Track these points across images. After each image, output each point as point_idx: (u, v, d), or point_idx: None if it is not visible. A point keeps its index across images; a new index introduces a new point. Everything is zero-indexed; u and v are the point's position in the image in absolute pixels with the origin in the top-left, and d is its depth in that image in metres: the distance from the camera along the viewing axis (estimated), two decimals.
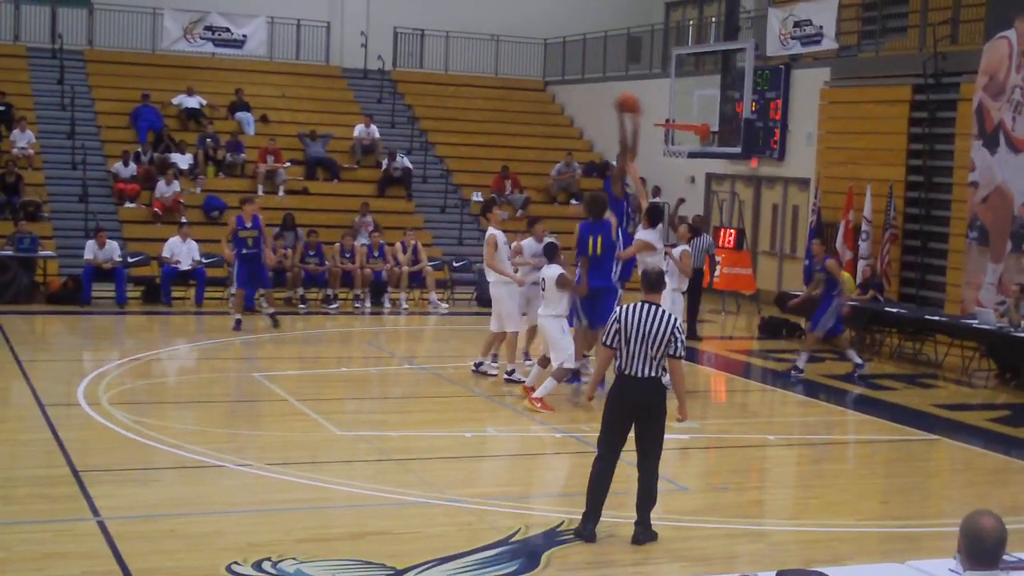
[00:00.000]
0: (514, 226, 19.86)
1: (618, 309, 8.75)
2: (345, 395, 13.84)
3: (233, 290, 19.69)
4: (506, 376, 14.62)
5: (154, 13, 28.62)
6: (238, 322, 18.03)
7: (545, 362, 13.56)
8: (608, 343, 8.67)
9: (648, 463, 8.69)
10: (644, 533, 8.64)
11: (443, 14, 31.48)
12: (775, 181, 24.28)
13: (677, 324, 8.57)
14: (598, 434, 8.85)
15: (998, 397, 15.64)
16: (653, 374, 8.54)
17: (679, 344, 8.52)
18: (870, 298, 18.59)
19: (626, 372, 8.57)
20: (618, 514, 9.27)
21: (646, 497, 8.68)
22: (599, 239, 13.45)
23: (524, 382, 13.87)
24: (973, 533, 4.69)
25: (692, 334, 16.61)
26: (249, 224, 17.96)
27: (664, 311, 8.63)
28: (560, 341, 13.32)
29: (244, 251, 17.92)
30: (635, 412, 8.59)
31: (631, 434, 8.72)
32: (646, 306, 8.60)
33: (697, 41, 29.45)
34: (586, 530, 8.64)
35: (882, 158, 21.06)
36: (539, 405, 13.02)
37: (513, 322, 14.58)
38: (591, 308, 13.55)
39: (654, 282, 8.80)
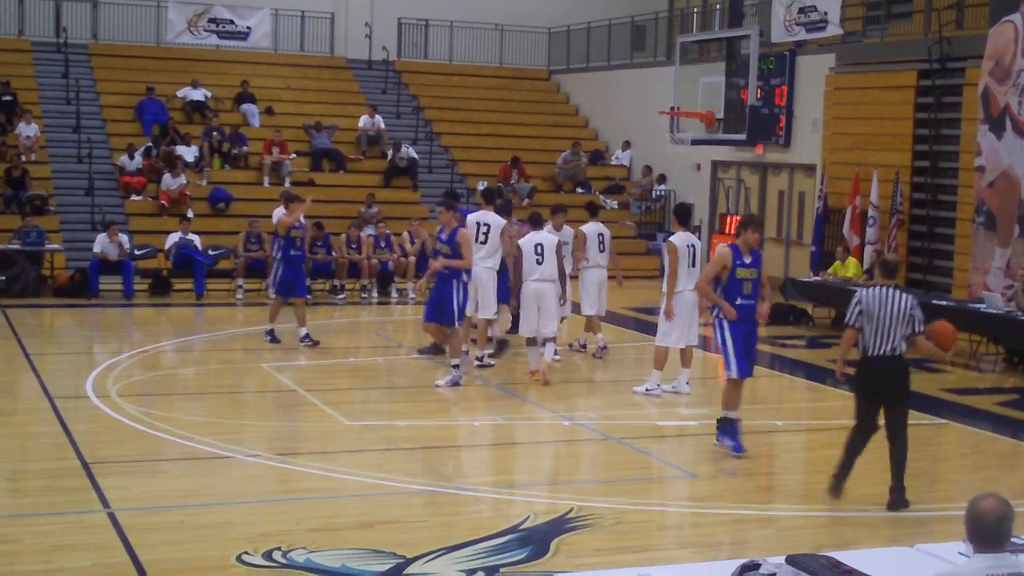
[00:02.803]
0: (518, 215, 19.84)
1: (859, 292, 9.36)
2: (353, 385, 13.85)
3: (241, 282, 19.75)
4: (477, 362, 14.72)
5: (158, 6, 28.63)
6: (271, 332, 16.11)
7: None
8: (852, 323, 9.28)
9: (899, 435, 9.31)
10: (898, 501, 9.28)
11: (447, 4, 31.45)
12: (781, 168, 24.24)
13: (915, 304, 9.22)
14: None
15: (1006, 381, 15.62)
16: (895, 353, 9.17)
17: (918, 321, 9.19)
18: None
19: (870, 353, 9.22)
20: (625, 501, 9.29)
21: (900, 467, 9.31)
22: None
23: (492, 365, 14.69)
24: (973, 514, 4.76)
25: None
26: (298, 224, 15.89)
27: (903, 293, 9.23)
28: (557, 311, 14.17)
29: (292, 252, 15.78)
30: (880, 390, 9.29)
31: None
32: (887, 289, 9.23)
33: (701, 28, 29.38)
34: (834, 481, 9.46)
35: (888, 144, 21.01)
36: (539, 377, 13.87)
37: (489, 309, 14.63)
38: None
39: (893, 268, 9.51)
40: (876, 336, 9.17)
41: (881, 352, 9.18)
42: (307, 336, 15.91)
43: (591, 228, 15.49)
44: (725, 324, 10.83)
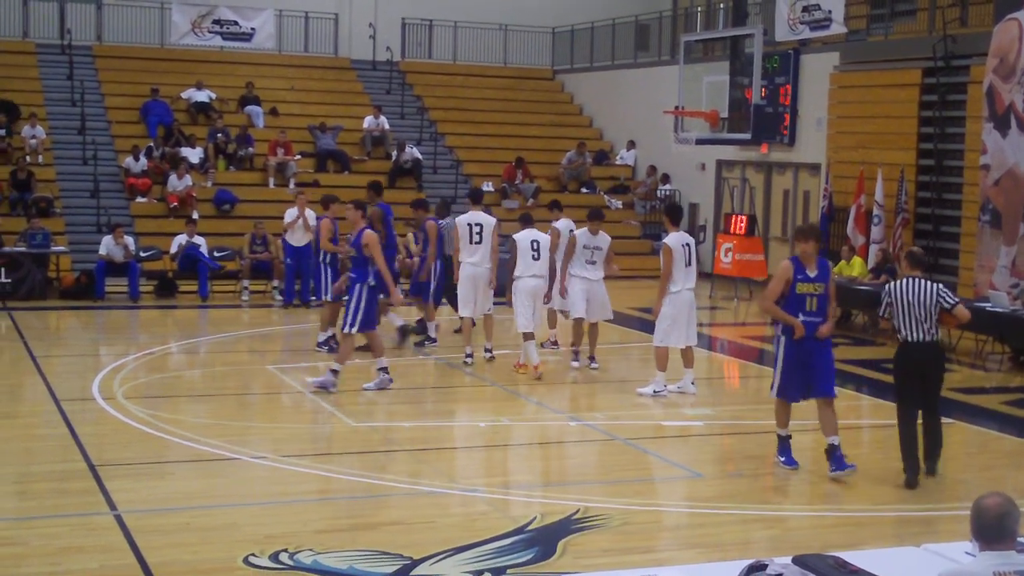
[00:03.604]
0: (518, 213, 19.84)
1: (888, 286, 10.04)
2: (358, 386, 13.85)
3: (241, 282, 19.69)
4: (487, 353, 15.02)
5: (162, 7, 28.66)
6: (331, 340, 15.49)
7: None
8: (882, 315, 10.08)
9: (933, 410, 10.13)
10: (931, 468, 10.10)
11: (451, 4, 31.44)
12: (786, 167, 24.23)
13: (940, 288, 9.89)
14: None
15: (1012, 380, 15.59)
16: (928, 339, 9.90)
17: (947, 298, 9.86)
18: (883, 282, 18.53)
19: (907, 339, 9.93)
20: (632, 501, 9.29)
21: (934, 447, 10.12)
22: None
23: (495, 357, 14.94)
24: (977, 510, 4.82)
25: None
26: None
27: (929, 283, 9.88)
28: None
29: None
30: (919, 370, 9.98)
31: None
32: (913, 280, 9.90)
33: (705, 27, 29.36)
34: (908, 480, 9.95)
35: (893, 142, 21.00)
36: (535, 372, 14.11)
37: (485, 304, 14.92)
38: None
39: (919, 259, 10.17)
40: (910, 325, 9.85)
41: (918, 339, 9.87)
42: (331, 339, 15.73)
43: (563, 224, 15.70)
44: (783, 341, 10.24)
